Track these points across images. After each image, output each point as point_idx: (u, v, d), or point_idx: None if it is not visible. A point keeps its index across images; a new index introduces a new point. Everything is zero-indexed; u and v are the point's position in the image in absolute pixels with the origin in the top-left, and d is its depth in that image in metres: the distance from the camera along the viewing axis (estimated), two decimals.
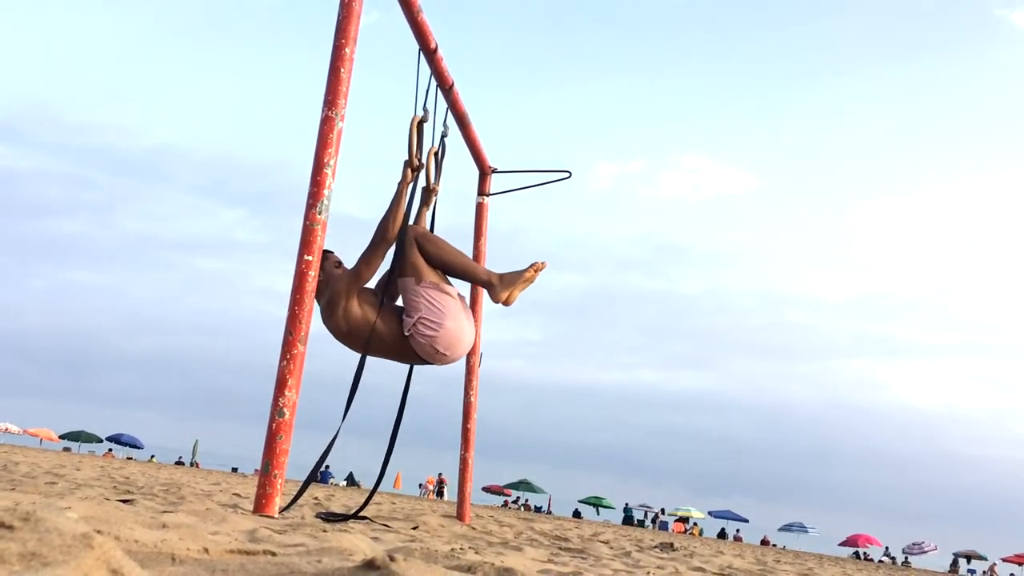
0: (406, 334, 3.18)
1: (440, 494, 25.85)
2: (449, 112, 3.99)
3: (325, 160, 3.02)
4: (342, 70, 3.07)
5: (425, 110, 3.54)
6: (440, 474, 26.93)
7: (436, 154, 3.65)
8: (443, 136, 3.72)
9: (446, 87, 3.94)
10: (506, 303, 3.39)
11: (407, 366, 3.52)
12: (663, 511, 27.68)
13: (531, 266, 3.37)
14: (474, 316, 5.16)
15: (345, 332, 3.20)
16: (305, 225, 2.98)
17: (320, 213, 2.99)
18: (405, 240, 3.24)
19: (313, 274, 2.99)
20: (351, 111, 3.10)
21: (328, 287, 3.21)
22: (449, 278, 3.31)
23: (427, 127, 3.54)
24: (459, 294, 3.30)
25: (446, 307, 3.19)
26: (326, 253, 3.27)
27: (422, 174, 3.49)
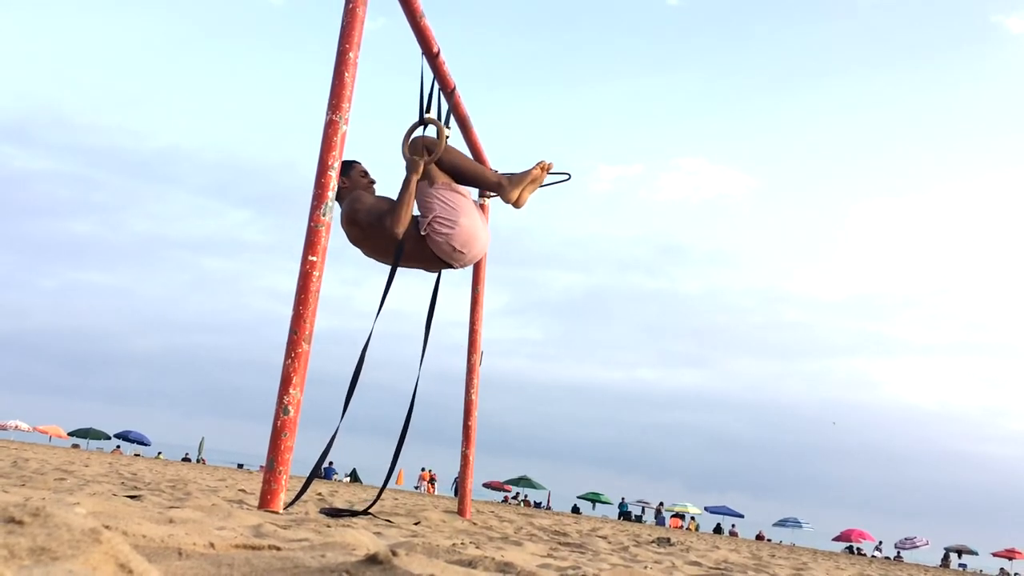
0: (422, 234, 3.22)
1: (432, 489, 25.99)
2: (451, 115, 4.02)
3: (329, 163, 3.05)
4: (346, 74, 3.10)
5: (428, 114, 3.57)
6: (430, 470, 27.09)
7: (433, 122, 3.64)
8: (445, 138, 3.75)
9: (448, 91, 3.96)
10: (516, 204, 3.43)
11: (416, 369, 3.55)
12: (662, 505, 27.72)
13: (537, 164, 3.42)
14: (476, 305, 5.21)
15: (359, 238, 3.27)
16: (309, 226, 3.01)
17: (324, 215, 3.02)
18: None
19: (317, 274, 3.02)
20: (355, 113, 3.13)
21: (350, 198, 3.28)
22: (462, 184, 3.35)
23: (428, 128, 3.56)
24: (471, 197, 3.35)
25: (459, 206, 3.23)
26: (352, 163, 3.35)
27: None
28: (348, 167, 3.32)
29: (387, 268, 3.35)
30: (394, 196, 3.33)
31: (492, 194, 5.41)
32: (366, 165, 3.48)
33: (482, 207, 5.37)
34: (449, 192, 3.25)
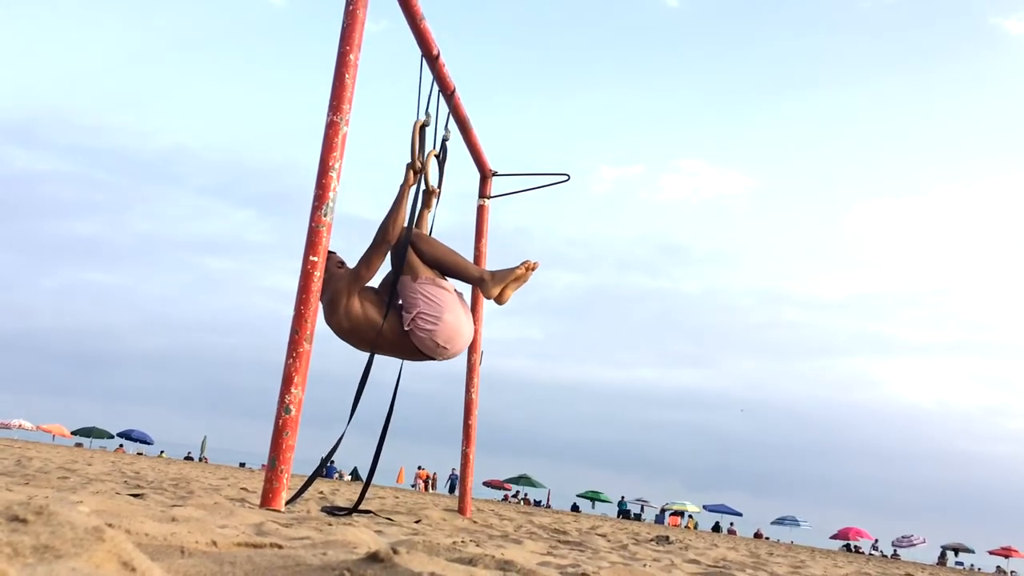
0: (406, 329, 3.21)
1: (426, 488, 26.14)
2: (451, 117, 4.03)
3: (330, 163, 3.06)
4: (347, 76, 3.11)
5: (427, 114, 3.59)
6: (428, 469, 27.27)
7: (437, 156, 3.69)
8: (444, 140, 3.77)
9: (448, 93, 3.98)
10: (498, 301, 3.40)
11: (402, 364, 3.57)
12: (667, 506, 27.77)
13: (522, 264, 3.39)
14: (475, 314, 5.22)
15: (347, 330, 3.25)
16: (311, 227, 3.03)
17: (325, 215, 3.03)
18: (402, 240, 3.28)
19: (318, 274, 3.04)
20: (357, 114, 3.14)
21: (329, 286, 3.24)
22: (446, 277, 3.34)
23: (428, 131, 3.58)
24: (456, 290, 3.33)
25: (443, 301, 3.22)
26: (328, 253, 3.31)
27: (424, 177, 3.54)
28: (326, 258, 3.23)
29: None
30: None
31: (491, 197, 5.44)
32: (340, 255, 3.42)
33: (481, 208, 5.39)
34: (433, 287, 3.23)
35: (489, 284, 3.36)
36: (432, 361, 3.38)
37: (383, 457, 3.56)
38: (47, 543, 0.89)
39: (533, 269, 3.41)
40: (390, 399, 3.55)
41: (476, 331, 5.28)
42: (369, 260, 3.27)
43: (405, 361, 3.48)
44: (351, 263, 3.35)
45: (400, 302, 3.29)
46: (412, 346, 3.26)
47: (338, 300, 3.22)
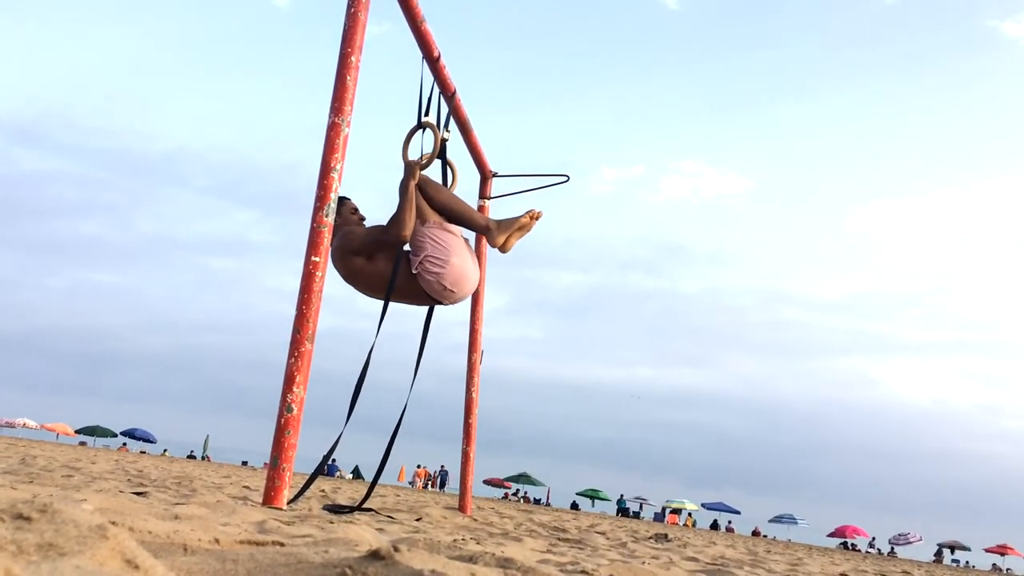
0: (414, 272, 3.26)
1: (425, 486, 26.14)
2: (451, 119, 4.04)
3: (332, 164, 3.07)
4: (348, 78, 3.13)
5: (427, 117, 3.61)
6: (427, 468, 27.34)
7: (441, 157, 3.72)
8: (444, 141, 3.78)
9: (448, 94, 3.99)
10: (503, 249, 3.46)
11: (413, 366, 3.58)
12: (667, 507, 27.78)
13: (527, 212, 3.44)
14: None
15: (351, 273, 3.32)
16: (312, 227, 3.04)
17: (327, 216, 3.05)
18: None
19: (320, 274, 3.05)
20: (358, 116, 3.16)
21: (341, 233, 3.32)
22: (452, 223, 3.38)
23: (427, 132, 3.61)
24: (463, 235, 3.38)
25: (450, 245, 3.27)
26: (343, 199, 3.39)
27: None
28: (339, 204, 3.33)
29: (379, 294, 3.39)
30: (384, 222, 3.38)
31: (491, 198, 5.45)
32: (356, 200, 3.51)
33: (481, 208, 5.41)
34: (440, 231, 3.28)
35: (495, 232, 3.41)
36: (439, 305, 3.42)
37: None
38: (51, 541, 0.89)
39: (537, 218, 3.46)
40: (404, 401, 3.58)
41: (477, 329, 5.30)
42: (379, 244, 3.32)
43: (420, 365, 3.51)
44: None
45: (408, 247, 3.34)
46: (419, 289, 3.30)
47: (347, 249, 3.31)
